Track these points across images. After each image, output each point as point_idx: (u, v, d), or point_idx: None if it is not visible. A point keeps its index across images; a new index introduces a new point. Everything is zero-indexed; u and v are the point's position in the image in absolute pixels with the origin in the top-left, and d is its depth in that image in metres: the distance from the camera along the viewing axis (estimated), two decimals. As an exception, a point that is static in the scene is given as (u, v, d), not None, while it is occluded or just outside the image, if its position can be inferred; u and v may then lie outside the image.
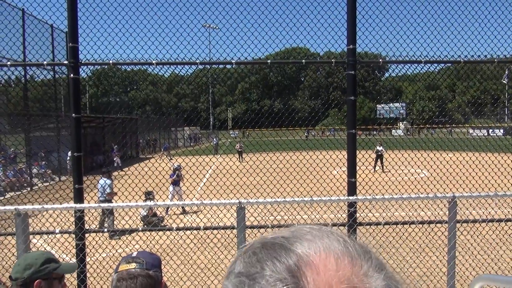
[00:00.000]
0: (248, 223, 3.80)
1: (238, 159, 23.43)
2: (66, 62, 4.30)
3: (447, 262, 4.04)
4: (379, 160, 20.93)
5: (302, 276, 0.48)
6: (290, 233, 0.56)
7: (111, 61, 4.40)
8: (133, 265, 1.66)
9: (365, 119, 63.46)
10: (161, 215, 11.59)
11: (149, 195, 11.17)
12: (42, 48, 6.02)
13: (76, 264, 2.37)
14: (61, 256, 6.40)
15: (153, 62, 4.47)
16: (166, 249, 7.10)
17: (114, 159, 24.86)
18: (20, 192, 14.93)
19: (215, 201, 3.93)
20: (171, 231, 6.75)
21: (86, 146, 24.51)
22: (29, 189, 16.25)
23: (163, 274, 1.79)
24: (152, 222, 10.73)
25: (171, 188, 13.12)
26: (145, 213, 10.87)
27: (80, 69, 4.32)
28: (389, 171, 15.68)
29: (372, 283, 0.49)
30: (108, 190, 10.35)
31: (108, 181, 10.47)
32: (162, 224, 10.94)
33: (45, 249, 6.04)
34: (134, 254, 1.75)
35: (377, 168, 20.86)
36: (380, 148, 20.63)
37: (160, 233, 7.63)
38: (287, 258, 0.50)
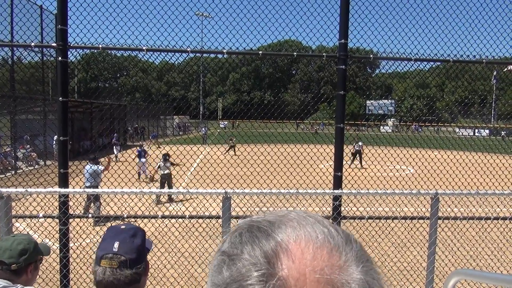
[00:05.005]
0: (233, 213, 3.81)
1: (228, 152, 23.23)
2: (54, 44, 4.22)
3: (427, 257, 4.12)
4: (357, 155, 20.87)
5: (277, 262, 0.49)
6: (276, 218, 0.56)
7: (100, 45, 4.34)
8: (115, 263, 1.57)
9: (354, 115, 63.84)
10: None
11: (167, 157, 12.44)
12: (30, 29, 5.89)
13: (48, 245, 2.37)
14: (43, 240, 6.35)
15: (144, 48, 4.41)
16: (150, 236, 7.09)
17: (114, 147, 23.61)
18: (4, 175, 14.71)
19: (201, 190, 3.94)
20: (156, 219, 6.74)
21: (73, 131, 24.14)
22: (13, 172, 16.02)
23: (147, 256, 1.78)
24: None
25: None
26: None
27: (69, 53, 4.26)
28: (368, 167, 15.77)
29: (346, 276, 0.49)
30: (100, 176, 10.28)
31: (95, 167, 10.36)
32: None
33: (27, 232, 5.98)
34: (116, 245, 1.63)
35: (356, 163, 20.87)
36: (360, 144, 20.60)
37: (145, 220, 7.62)
38: (266, 243, 0.51)
